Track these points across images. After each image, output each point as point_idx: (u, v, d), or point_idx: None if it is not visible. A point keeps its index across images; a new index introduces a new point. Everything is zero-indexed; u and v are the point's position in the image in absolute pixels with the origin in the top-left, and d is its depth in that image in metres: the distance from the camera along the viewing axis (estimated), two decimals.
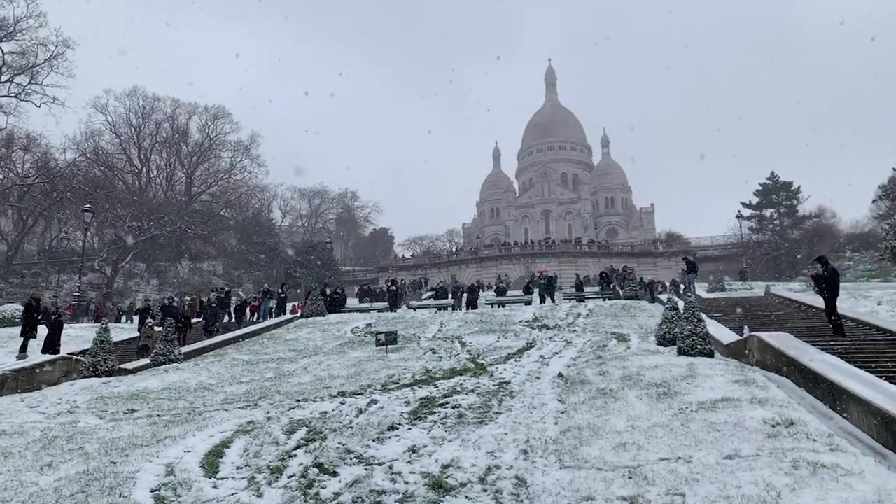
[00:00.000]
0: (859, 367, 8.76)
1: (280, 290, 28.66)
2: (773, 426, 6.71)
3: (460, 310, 27.76)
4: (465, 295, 31.86)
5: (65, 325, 18.37)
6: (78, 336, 20.44)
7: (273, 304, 27.17)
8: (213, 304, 23.60)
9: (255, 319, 26.10)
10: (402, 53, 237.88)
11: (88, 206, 36.52)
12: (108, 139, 61.05)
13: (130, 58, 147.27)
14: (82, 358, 14.75)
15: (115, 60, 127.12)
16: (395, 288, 33.48)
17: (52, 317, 16.44)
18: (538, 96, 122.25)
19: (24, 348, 16.03)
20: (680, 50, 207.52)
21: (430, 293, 39.75)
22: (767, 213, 60.55)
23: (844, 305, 16.09)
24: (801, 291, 24.67)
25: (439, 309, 27.45)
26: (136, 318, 26.68)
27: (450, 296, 32.69)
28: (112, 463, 6.89)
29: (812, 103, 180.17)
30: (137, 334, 19.73)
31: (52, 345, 15.85)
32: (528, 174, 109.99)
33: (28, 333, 16.26)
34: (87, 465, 6.83)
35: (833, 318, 13.01)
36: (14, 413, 10.16)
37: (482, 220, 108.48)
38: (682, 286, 28.67)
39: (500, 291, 33.24)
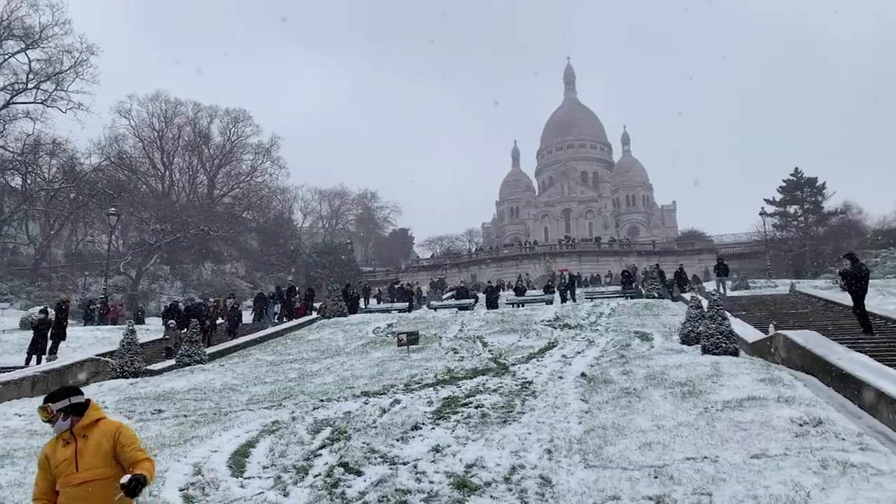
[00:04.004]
0: (889, 366, 8.62)
1: (286, 293, 28.47)
2: (800, 425, 6.64)
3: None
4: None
5: (92, 327, 18.57)
6: (105, 338, 20.76)
7: (277, 308, 27.11)
8: (237, 307, 23.82)
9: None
10: (417, 53, 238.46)
11: (113, 209, 37.05)
12: (131, 143, 61.74)
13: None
14: (109, 359, 14.99)
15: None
16: (409, 288, 34.97)
17: (38, 319, 16.30)
18: (558, 94, 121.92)
19: (53, 350, 16.31)
20: (701, 48, 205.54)
21: (450, 293, 39.75)
22: (791, 209, 59.55)
23: (872, 303, 15.81)
24: (826, 289, 24.32)
25: (460, 309, 27.43)
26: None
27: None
28: None
29: (838, 98, 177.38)
30: (161, 336, 19.98)
31: (35, 348, 15.68)
32: (547, 173, 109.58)
33: (57, 336, 16.52)
34: None
35: (861, 315, 12.80)
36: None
37: (502, 219, 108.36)
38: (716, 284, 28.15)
39: (520, 291, 33.17)
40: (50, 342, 16.37)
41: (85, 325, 27.64)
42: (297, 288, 29.60)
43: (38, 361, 15.44)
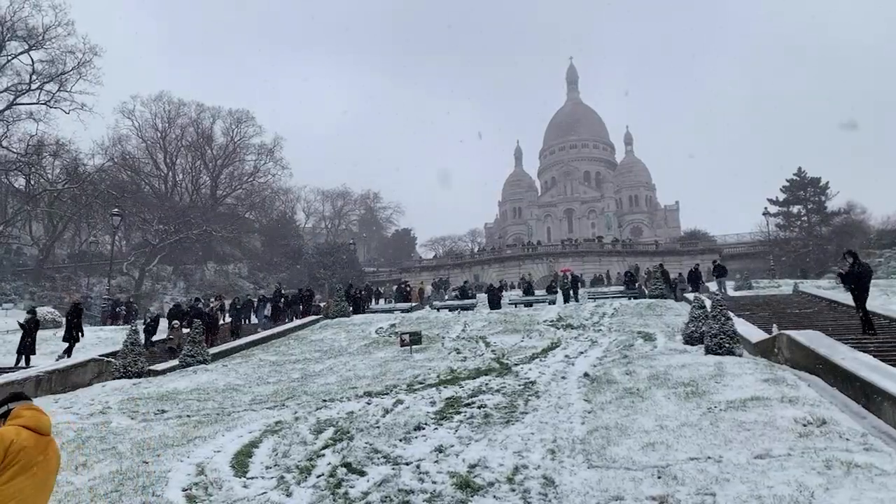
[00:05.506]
0: (893, 366, 8.59)
1: (274, 295, 28.24)
2: (804, 425, 6.62)
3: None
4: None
5: (97, 327, 18.58)
6: (108, 338, 20.80)
7: (268, 310, 26.98)
8: (239, 307, 23.87)
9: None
10: (422, 52, 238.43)
11: (116, 210, 37.13)
12: (134, 144, 61.92)
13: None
14: (113, 360, 15.01)
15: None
16: (407, 288, 35.75)
17: (26, 319, 16.26)
18: (561, 94, 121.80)
19: (68, 351, 16.42)
20: (704, 48, 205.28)
21: (453, 293, 39.72)
22: (795, 209, 59.45)
23: (876, 303, 15.79)
24: (830, 289, 24.25)
25: (463, 309, 27.41)
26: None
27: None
28: (144, 462, 7.01)
29: (841, 98, 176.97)
30: (165, 336, 20.02)
31: (24, 347, 15.64)
32: (550, 173, 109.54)
33: (71, 337, 16.59)
34: (120, 465, 6.95)
35: (864, 315, 12.76)
36: (49, 414, 10.35)
37: (504, 219, 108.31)
38: (716, 285, 28.13)
39: (529, 288, 33.20)
40: (65, 343, 16.52)
41: (109, 325, 28.18)
42: (282, 290, 29.41)
43: (27, 362, 15.48)
